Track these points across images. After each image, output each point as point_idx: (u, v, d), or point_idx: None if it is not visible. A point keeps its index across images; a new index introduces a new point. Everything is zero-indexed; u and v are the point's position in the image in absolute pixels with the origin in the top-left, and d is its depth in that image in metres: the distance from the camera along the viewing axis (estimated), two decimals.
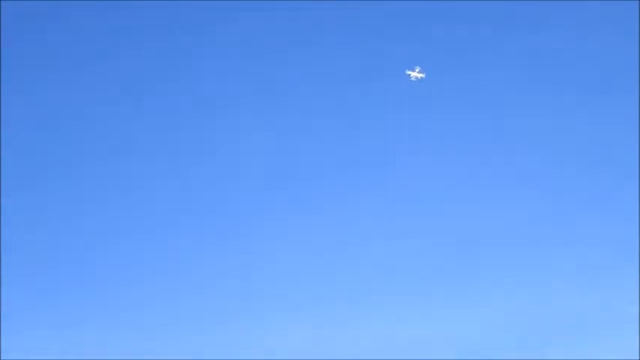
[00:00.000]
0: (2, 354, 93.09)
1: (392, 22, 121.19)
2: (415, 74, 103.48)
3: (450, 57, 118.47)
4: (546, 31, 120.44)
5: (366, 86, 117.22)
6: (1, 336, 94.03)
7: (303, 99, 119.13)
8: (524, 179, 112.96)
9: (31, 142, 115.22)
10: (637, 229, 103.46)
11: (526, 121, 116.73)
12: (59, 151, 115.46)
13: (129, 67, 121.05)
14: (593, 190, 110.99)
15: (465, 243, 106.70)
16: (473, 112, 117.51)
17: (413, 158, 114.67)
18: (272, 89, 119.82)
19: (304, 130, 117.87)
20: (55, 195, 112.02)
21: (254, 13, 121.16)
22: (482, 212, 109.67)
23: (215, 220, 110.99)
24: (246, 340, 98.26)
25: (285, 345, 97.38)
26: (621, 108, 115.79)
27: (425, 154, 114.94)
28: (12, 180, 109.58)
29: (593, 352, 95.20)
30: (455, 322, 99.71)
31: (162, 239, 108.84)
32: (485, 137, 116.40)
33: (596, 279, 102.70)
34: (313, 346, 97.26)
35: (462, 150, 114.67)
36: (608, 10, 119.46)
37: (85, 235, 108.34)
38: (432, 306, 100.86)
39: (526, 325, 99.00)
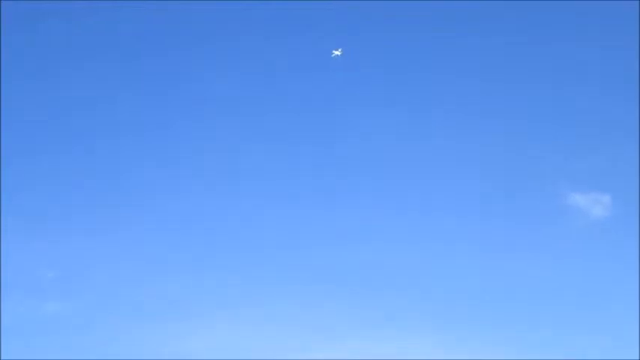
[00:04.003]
0: (2, 354, 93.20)
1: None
2: (337, 53, 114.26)
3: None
4: (544, 33, 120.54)
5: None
6: (1, 334, 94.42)
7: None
8: None
9: (32, 143, 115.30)
10: None
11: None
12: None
13: (130, 68, 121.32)
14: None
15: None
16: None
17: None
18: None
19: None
20: None
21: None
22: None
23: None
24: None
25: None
26: (621, 109, 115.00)
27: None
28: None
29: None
30: None
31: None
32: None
33: None
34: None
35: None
36: (608, 11, 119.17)
37: None
38: None
39: None
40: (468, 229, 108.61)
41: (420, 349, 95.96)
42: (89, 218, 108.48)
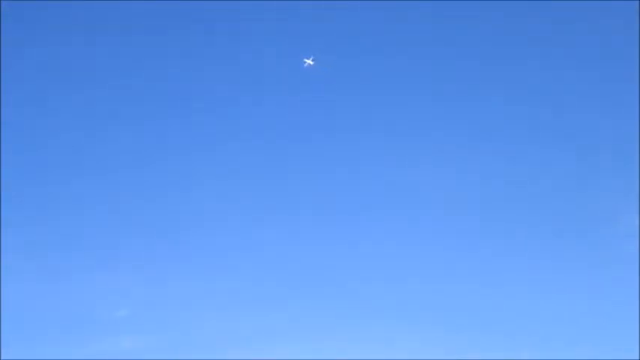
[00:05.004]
0: (2, 354, 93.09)
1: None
2: (309, 62, 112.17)
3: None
4: (543, 34, 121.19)
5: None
6: (1, 336, 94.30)
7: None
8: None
9: (33, 145, 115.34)
10: None
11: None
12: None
13: (129, 67, 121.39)
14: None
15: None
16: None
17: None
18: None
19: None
20: None
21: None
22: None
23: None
24: None
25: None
26: (621, 109, 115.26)
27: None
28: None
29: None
30: None
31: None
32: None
33: None
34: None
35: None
36: (608, 10, 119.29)
37: None
38: None
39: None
40: (532, 266, 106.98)
41: None
42: (156, 254, 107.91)
